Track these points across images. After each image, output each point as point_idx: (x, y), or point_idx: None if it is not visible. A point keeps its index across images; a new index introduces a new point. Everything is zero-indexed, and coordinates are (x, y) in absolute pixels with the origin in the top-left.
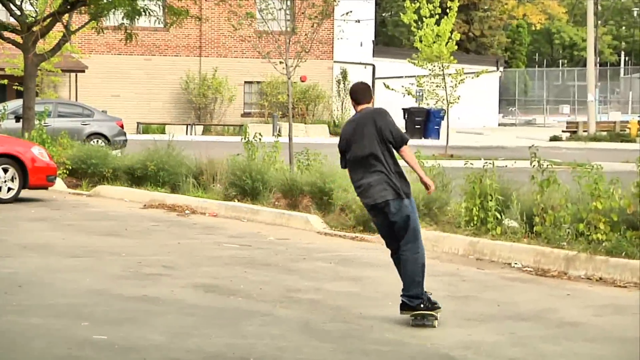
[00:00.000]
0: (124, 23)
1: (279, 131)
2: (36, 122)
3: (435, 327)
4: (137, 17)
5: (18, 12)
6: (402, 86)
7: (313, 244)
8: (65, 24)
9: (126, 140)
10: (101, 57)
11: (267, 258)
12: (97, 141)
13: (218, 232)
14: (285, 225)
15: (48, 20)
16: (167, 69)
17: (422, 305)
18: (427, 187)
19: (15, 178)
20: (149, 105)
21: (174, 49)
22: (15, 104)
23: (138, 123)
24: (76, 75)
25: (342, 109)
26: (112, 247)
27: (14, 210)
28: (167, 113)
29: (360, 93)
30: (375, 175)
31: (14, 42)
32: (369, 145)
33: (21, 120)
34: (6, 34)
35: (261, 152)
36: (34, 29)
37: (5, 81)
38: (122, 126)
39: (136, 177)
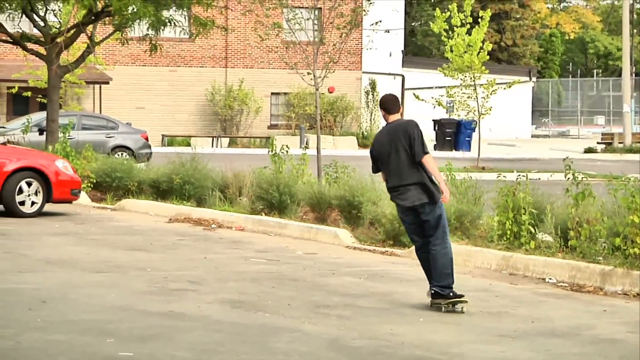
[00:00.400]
0: (148, 34)
1: (306, 143)
2: (60, 134)
3: (463, 312)
4: (162, 27)
5: (42, 23)
6: (432, 97)
7: (342, 258)
8: (89, 35)
9: (151, 153)
10: (125, 69)
11: (295, 273)
12: (122, 154)
13: (245, 246)
14: (313, 239)
15: (72, 31)
16: (192, 80)
17: (451, 294)
18: (442, 193)
19: (39, 192)
20: (174, 117)
21: (199, 60)
22: (39, 116)
23: (163, 135)
24: (100, 87)
25: (370, 121)
26: (137, 262)
27: (37, 224)
28: (193, 125)
29: (391, 103)
30: (411, 180)
31: (37, 54)
32: (405, 154)
33: (45, 133)
34: (30, 45)
35: (288, 164)
36: (58, 40)
37: (29, 93)
38: (146, 139)
39: (161, 191)
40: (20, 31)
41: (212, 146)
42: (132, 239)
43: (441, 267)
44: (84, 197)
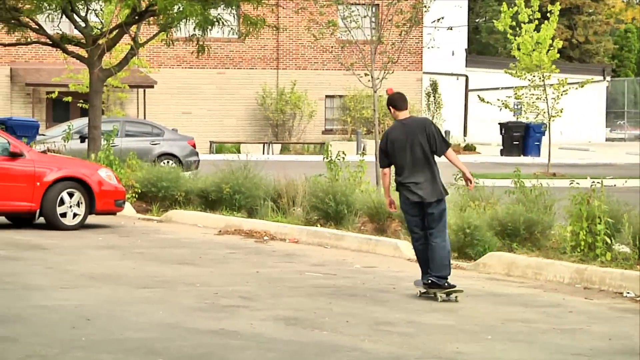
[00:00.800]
0: (195, 34)
1: (363, 149)
2: (103, 142)
3: (457, 302)
4: (209, 27)
5: (83, 24)
6: (498, 99)
7: (403, 272)
8: (133, 36)
9: (199, 161)
10: (171, 72)
11: (353, 288)
12: (168, 162)
13: (299, 259)
14: (372, 251)
15: (115, 32)
16: (241, 83)
17: (446, 284)
18: (469, 182)
19: (82, 203)
20: (223, 122)
21: (249, 61)
22: (80, 122)
23: (211, 142)
24: (144, 91)
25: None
26: (186, 276)
27: (80, 237)
28: (242, 131)
29: (401, 100)
30: (424, 177)
31: (78, 56)
32: (420, 150)
33: (86, 140)
34: (70, 47)
35: (345, 172)
36: (100, 41)
37: (69, 98)
38: (194, 146)
39: (210, 201)
40: (61, 32)
41: (263, 153)
42: (180, 252)
43: (440, 259)
44: (128, 208)
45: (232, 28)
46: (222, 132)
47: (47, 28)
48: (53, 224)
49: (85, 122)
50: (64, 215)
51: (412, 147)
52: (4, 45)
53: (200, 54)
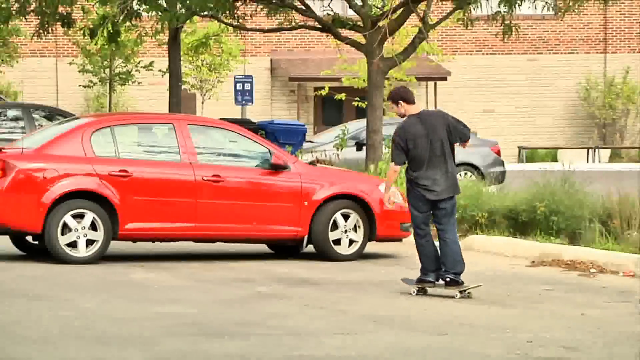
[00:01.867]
0: (500, 11)
1: None
2: (384, 150)
3: (470, 297)
4: (518, 2)
5: (359, 3)
6: None
7: None
8: (421, 15)
9: (504, 172)
10: (469, 59)
11: None
12: (466, 174)
13: (637, 298)
14: None
15: (399, 11)
16: (558, 72)
17: (461, 281)
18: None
19: (359, 227)
20: (534, 122)
21: (568, 43)
22: (356, 126)
23: (520, 148)
24: (435, 84)
25: None
26: (491, 319)
27: (357, 269)
28: (560, 133)
29: (410, 94)
30: (441, 173)
31: (353, 43)
32: (440, 145)
33: (364, 148)
34: (343, 32)
35: None
36: (381, 23)
37: (343, 96)
38: (498, 153)
39: (520, 223)
40: (332, 14)
41: (587, 161)
42: (484, 288)
43: (454, 254)
44: None
45: (547, 2)
46: (534, 135)
47: (316, 9)
48: (324, 253)
49: (363, 125)
50: (337, 242)
51: (431, 143)
52: (263, 31)
53: (506, 36)
